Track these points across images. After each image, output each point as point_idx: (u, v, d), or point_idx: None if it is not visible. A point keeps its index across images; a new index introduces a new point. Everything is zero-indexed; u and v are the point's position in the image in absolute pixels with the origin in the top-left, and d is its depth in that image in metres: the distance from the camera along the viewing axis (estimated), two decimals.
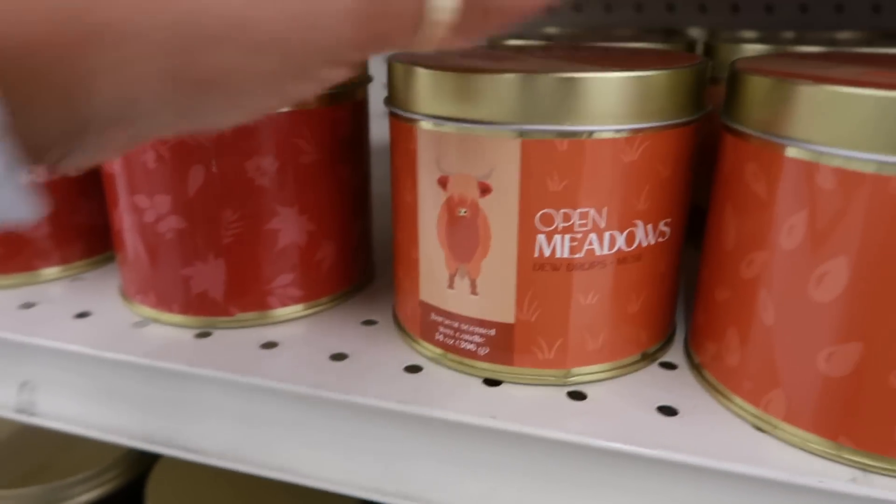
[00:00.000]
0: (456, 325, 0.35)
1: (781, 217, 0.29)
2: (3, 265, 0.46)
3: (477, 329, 0.35)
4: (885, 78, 0.28)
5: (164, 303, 0.41)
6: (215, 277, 0.39)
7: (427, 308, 0.37)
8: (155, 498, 0.50)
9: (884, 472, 0.28)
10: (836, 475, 0.29)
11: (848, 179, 0.26)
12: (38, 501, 0.51)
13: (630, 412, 0.33)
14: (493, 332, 0.34)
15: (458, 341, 0.36)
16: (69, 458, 0.55)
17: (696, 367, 0.36)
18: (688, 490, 0.30)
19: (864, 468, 0.29)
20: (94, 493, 0.53)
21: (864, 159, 0.26)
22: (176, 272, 0.40)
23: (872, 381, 0.28)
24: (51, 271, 0.47)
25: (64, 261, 0.48)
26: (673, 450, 0.30)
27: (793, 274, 0.29)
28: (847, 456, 0.29)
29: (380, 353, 0.38)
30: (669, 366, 0.37)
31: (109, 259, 0.50)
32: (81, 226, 0.48)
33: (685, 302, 0.43)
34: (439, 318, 0.36)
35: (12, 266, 0.46)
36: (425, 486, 0.34)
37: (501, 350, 0.35)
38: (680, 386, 0.35)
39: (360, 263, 0.45)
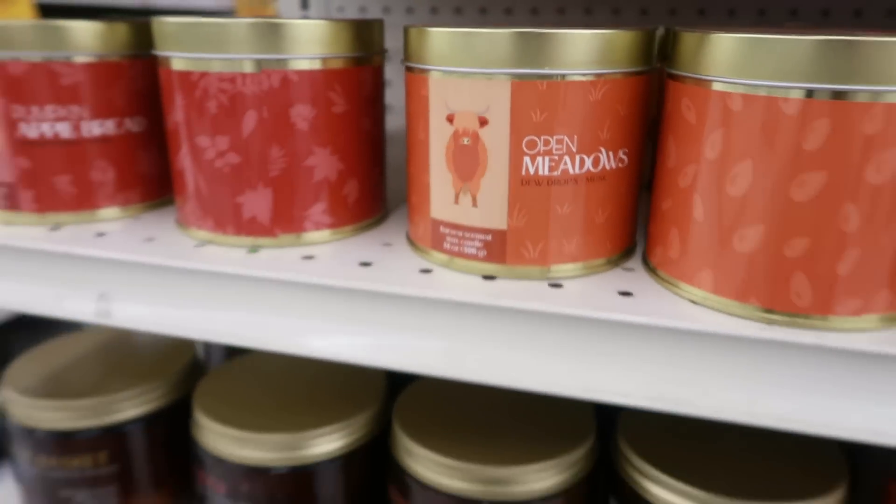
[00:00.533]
0: (460, 234, 0.45)
1: (706, 136, 0.39)
2: (74, 204, 0.55)
3: (477, 236, 0.44)
4: (787, 32, 0.38)
5: (220, 227, 0.50)
6: (263, 205, 0.49)
7: (437, 223, 0.46)
8: (202, 406, 0.59)
9: (784, 323, 0.38)
10: (749, 327, 0.38)
11: (750, 102, 0.36)
12: (95, 412, 0.60)
13: (596, 294, 0.42)
14: (489, 237, 0.44)
15: (461, 248, 0.45)
16: (125, 374, 0.63)
17: (651, 269, 0.46)
18: (640, 346, 0.40)
19: (770, 321, 0.39)
20: (146, 408, 0.62)
21: (759, 85, 0.36)
22: (231, 200, 0.49)
23: (772, 253, 0.37)
24: (112, 211, 0.56)
25: (125, 203, 0.57)
26: (628, 314, 0.40)
27: (715, 178, 0.39)
28: (758, 313, 0.39)
29: (398, 262, 0.47)
30: (629, 269, 0.47)
31: (160, 204, 0.59)
32: (140, 174, 0.57)
33: (645, 227, 0.53)
34: (447, 230, 0.46)
35: (82, 205, 0.55)
36: (436, 356, 0.44)
37: (496, 252, 0.44)
38: (637, 281, 0.45)
39: (377, 201, 0.55)
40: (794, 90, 0.35)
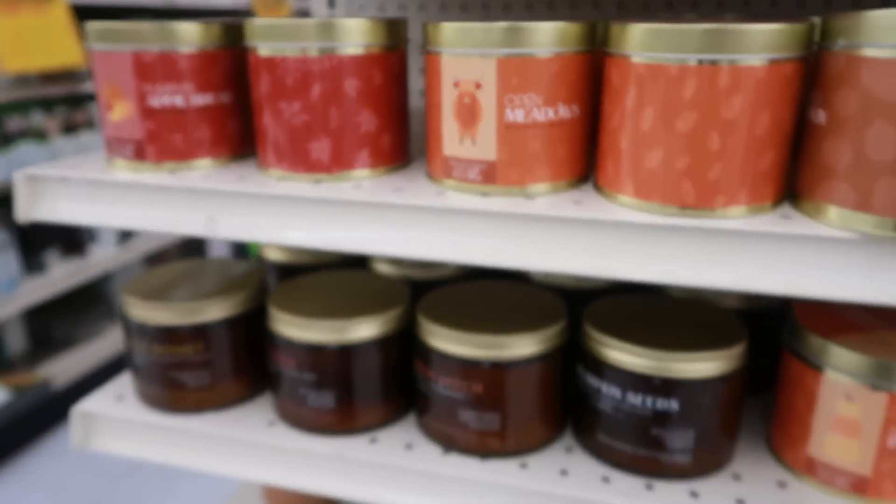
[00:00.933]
0: (464, 165, 0.65)
1: (626, 92, 0.59)
2: (183, 156, 0.75)
3: (476, 166, 0.64)
4: (677, 21, 0.58)
5: (293, 167, 0.70)
6: (325, 150, 0.69)
7: (447, 158, 0.66)
8: (277, 304, 0.79)
9: (679, 214, 0.58)
10: (658, 218, 0.58)
11: (651, 69, 0.56)
12: (193, 314, 0.80)
13: (558, 203, 0.62)
14: (484, 166, 0.64)
15: (464, 174, 0.65)
16: (213, 288, 0.84)
17: (597, 188, 0.66)
18: (587, 235, 0.60)
19: (670, 214, 0.59)
20: (229, 312, 0.82)
21: (656, 56, 0.56)
22: (302, 147, 0.69)
23: (668, 168, 0.58)
24: (207, 161, 0.76)
25: (218, 155, 0.77)
26: (579, 213, 0.60)
27: (632, 121, 0.59)
28: (663, 209, 0.59)
29: (420, 189, 0.67)
30: (582, 189, 0.67)
31: (242, 157, 0.79)
32: (229, 134, 0.77)
33: None
34: (454, 163, 0.66)
35: (189, 156, 0.75)
36: (448, 247, 0.64)
37: (489, 177, 0.64)
38: (587, 195, 0.65)
39: (403, 150, 0.75)
40: (676, 59, 0.55)
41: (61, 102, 2.89)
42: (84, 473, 2.56)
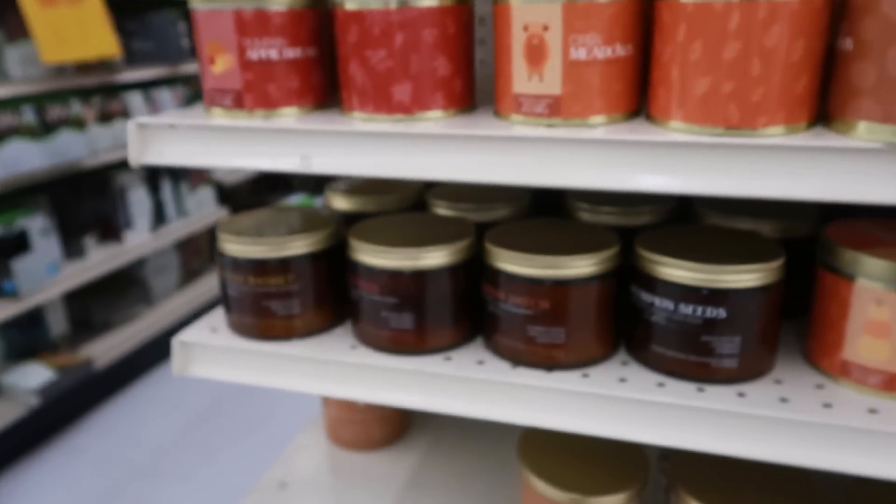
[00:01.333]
0: (532, 100, 0.74)
1: (676, 28, 0.68)
2: (265, 104, 0.84)
3: (543, 100, 0.73)
4: None
5: (377, 109, 0.79)
6: (405, 92, 0.78)
7: (517, 95, 0.75)
8: (357, 237, 0.89)
9: (727, 134, 0.67)
10: (708, 138, 0.67)
11: (698, 7, 0.65)
12: (280, 248, 0.90)
13: (616, 130, 0.71)
14: (550, 100, 0.73)
15: (532, 109, 0.74)
16: (297, 227, 0.93)
17: (650, 119, 0.74)
18: (642, 156, 0.69)
19: (719, 134, 0.67)
20: (313, 248, 0.91)
21: None
22: (386, 90, 0.78)
23: (715, 93, 0.66)
24: (292, 110, 0.85)
25: (302, 104, 0.86)
26: (636, 136, 0.69)
27: (681, 53, 0.67)
28: (711, 129, 0.68)
29: (491, 123, 0.77)
30: (637, 120, 0.76)
31: (321, 108, 0.88)
32: (312, 85, 0.86)
33: None
34: (523, 99, 0.75)
35: (274, 104, 0.84)
36: (516, 169, 0.73)
37: (555, 110, 0.73)
38: (642, 125, 0.74)
39: (471, 95, 0.84)
40: None
41: (97, 92, 2.99)
42: (127, 447, 2.67)
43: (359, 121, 0.81)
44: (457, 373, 0.85)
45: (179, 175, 3.42)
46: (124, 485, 2.46)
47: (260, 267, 0.90)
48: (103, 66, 2.98)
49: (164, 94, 3.27)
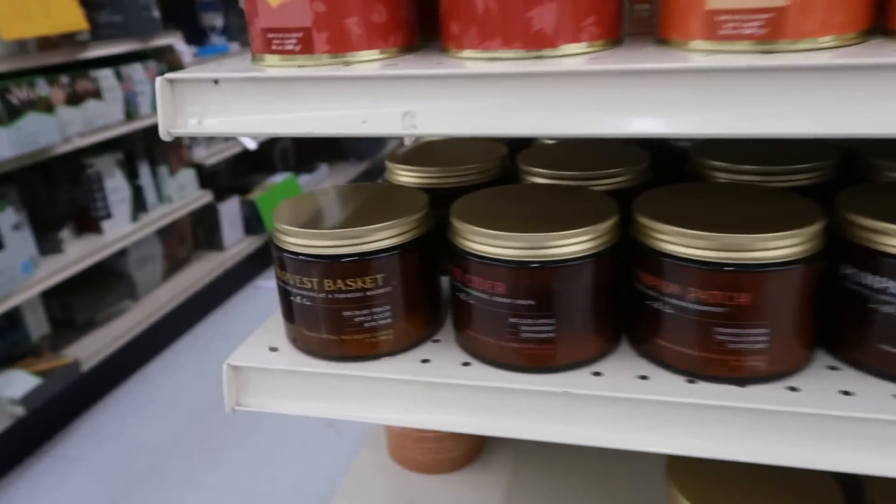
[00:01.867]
0: (740, 17, 0.53)
1: None
2: (341, 46, 0.62)
3: (758, 18, 0.52)
4: None
5: (506, 43, 0.57)
6: (548, 17, 0.56)
7: (712, 12, 0.53)
8: (459, 216, 0.67)
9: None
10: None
11: None
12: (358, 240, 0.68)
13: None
14: (773, 14, 0.52)
15: (740, 30, 0.53)
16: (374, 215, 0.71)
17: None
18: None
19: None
20: (399, 239, 0.69)
21: None
22: (521, 16, 0.56)
23: None
24: (372, 53, 0.63)
25: (386, 46, 0.64)
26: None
27: None
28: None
29: (671, 55, 0.55)
30: None
31: (415, 48, 0.66)
32: (400, 19, 0.64)
33: None
34: (723, 17, 0.53)
35: (353, 47, 0.62)
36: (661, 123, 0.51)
37: (776, 28, 0.52)
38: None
39: (621, 22, 0.62)
40: None
41: (64, 71, 2.70)
42: (124, 453, 2.45)
43: (479, 61, 0.59)
44: (618, 393, 0.64)
45: (158, 158, 3.15)
46: (126, 493, 2.25)
47: (336, 266, 0.68)
48: (68, 41, 2.69)
49: (138, 71, 2.99)
